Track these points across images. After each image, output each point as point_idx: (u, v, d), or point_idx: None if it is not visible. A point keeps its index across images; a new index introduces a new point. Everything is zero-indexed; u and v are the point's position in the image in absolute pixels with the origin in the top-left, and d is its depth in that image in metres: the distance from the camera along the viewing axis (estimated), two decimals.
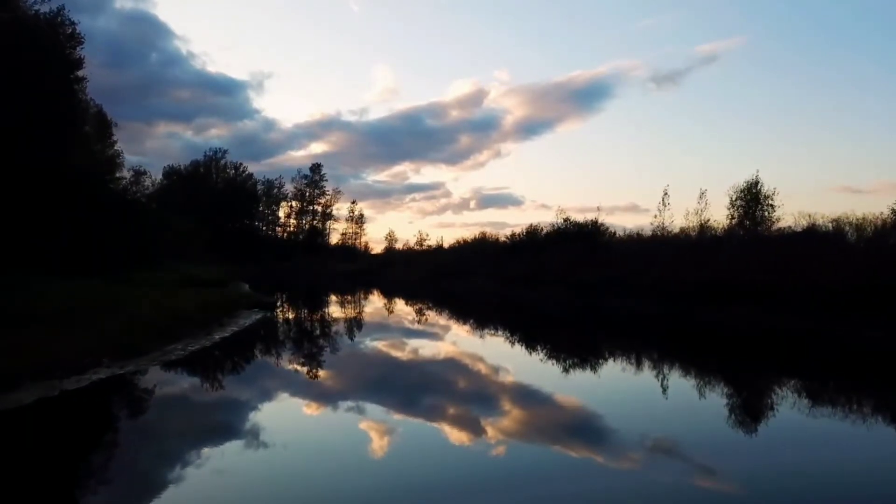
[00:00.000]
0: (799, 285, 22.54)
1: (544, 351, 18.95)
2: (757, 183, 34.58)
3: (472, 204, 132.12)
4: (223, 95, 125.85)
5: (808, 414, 10.87)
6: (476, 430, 9.24)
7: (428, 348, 18.56)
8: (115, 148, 50.62)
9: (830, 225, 28.53)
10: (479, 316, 30.61)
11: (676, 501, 6.65)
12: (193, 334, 16.80)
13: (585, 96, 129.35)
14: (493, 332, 24.37)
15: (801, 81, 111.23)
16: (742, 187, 33.90)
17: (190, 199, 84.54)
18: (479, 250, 59.85)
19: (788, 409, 11.21)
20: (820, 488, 7.22)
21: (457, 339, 21.17)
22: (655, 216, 42.18)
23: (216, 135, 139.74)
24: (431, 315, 30.77)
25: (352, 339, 20.57)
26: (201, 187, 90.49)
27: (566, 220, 45.53)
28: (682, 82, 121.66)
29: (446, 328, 24.80)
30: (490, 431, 9.14)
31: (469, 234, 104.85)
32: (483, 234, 66.53)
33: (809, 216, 29.82)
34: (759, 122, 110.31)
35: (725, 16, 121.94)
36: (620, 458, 8.00)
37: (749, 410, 11.51)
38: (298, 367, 14.69)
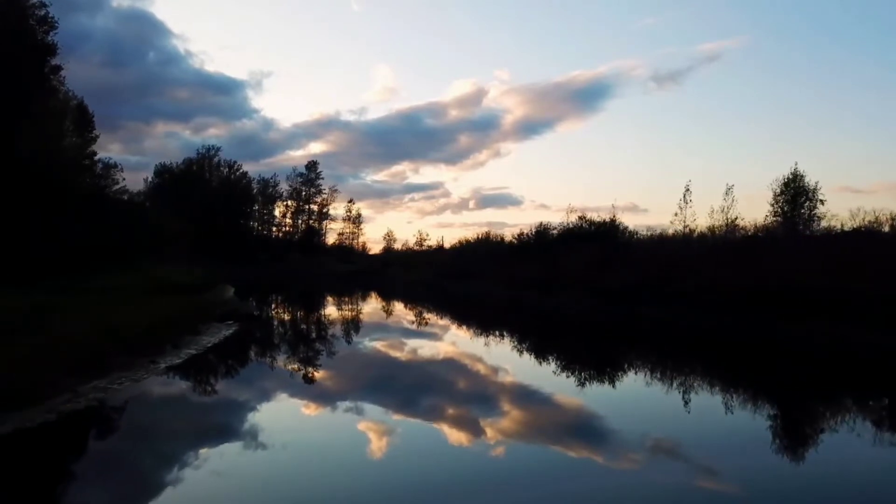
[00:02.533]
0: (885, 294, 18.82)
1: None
2: (797, 176, 30.83)
3: (472, 204, 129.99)
4: (222, 95, 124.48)
5: None
6: None
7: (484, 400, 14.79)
8: (96, 144, 46.86)
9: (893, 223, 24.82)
10: (508, 329, 26.28)
11: None
12: (131, 363, 13.05)
13: (586, 96, 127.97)
14: (540, 354, 20.37)
15: (803, 81, 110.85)
16: (784, 180, 30.14)
17: (182, 199, 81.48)
18: (484, 251, 56.16)
19: None
20: None
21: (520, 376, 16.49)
22: (676, 214, 38.39)
23: (215, 134, 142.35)
24: (451, 326, 27.00)
25: (344, 374, 16.86)
26: (194, 186, 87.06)
27: (581, 217, 41.65)
28: (684, 82, 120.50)
29: (490, 355, 20.84)
30: None
31: (469, 234, 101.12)
32: (487, 233, 62.89)
33: (874, 212, 26.12)
34: (761, 122, 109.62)
35: (727, 15, 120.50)
36: None
37: None
38: (267, 423, 10.85)
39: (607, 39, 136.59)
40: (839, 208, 70.97)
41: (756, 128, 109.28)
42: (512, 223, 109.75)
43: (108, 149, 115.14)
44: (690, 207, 38.74)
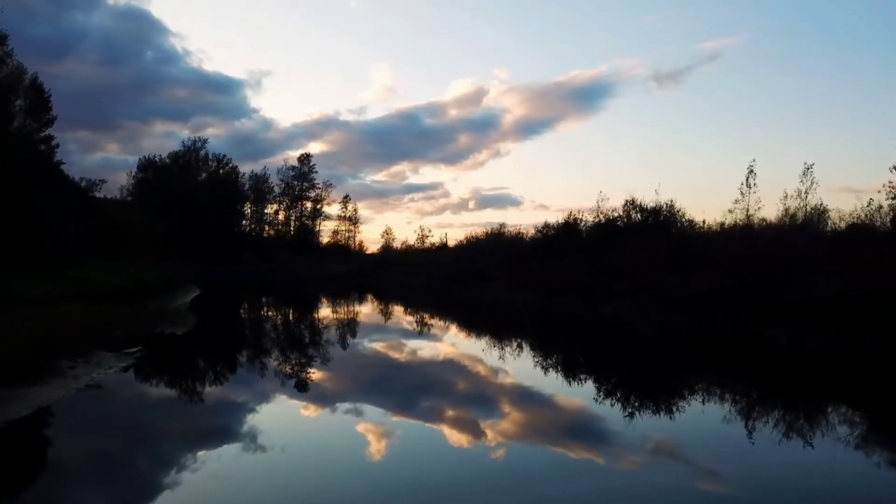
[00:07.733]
0: None
1: None
2: None
3: (471, 204, 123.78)
4: (220, 94, 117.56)
5: None
6: None
7: None
8: (53, 127, 39.45)
9: None
10: (579, 363, 17.86)
11: None
12: None
13: (586, 95, 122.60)
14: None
15: (804, 80, 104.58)
16: None
17: (167, 194, 74.13)
18: (496, 249, 47.98)
19: None
20: None
21: None
22: (737, 201, 30.37)
23: (213, 134, 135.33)
24: (492, 357, 18.69)
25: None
26: (180, 181, 79.53)
27: (631, 203, 32.97)
28: (684, 81, 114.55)
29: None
30: None
31: (473, 233, 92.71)
32: (501, 227, 54.43)
33: None
34: (761, 121, 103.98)
35: (728, 13, 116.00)
36: None
37: None
38: None
39: (607, 38, 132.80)
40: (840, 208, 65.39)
41: (757, 126, 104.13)
42: (512, 223, 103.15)
43: (106, 148, 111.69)
44: (755, 193, 30.77)
